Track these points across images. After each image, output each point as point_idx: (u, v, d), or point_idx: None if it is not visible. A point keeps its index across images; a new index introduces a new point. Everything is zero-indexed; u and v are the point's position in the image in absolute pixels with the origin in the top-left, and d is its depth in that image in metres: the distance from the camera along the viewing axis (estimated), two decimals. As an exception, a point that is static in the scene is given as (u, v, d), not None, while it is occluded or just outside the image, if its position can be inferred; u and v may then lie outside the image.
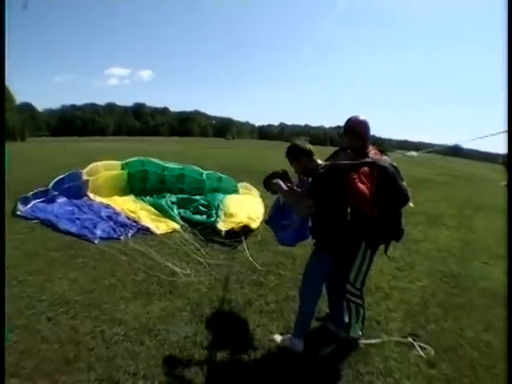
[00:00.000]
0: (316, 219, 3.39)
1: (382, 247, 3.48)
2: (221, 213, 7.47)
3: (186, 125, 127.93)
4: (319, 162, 3.35)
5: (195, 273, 4.91)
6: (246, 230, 6.67)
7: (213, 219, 7.16)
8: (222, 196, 8.78)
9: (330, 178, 3.11)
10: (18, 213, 7.00)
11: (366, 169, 3.09)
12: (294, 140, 3.45)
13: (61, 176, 8.46)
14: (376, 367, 3.28)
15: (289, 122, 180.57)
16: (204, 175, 9.51)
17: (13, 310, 3.74)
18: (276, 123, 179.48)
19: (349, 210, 3.33)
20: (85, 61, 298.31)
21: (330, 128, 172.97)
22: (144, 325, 3.65)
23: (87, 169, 8.68)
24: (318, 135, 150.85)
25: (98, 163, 9.10)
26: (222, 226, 6.76)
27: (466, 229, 8.95)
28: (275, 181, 3.48)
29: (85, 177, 8.30)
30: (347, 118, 3.40)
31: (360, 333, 3.62)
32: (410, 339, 3.70)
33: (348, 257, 3.39)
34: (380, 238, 3.38)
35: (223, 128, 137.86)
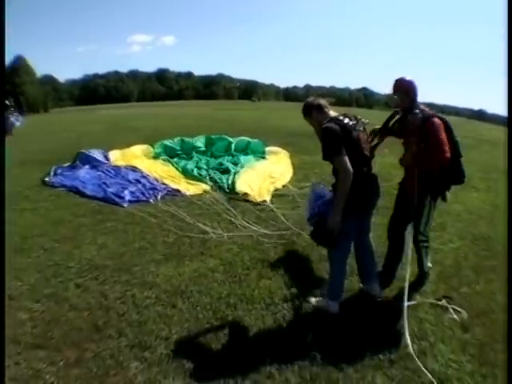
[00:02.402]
0: (334, 177, 3.08)
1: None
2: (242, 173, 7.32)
3: (211, 88, 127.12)
4: (332, 113, 3.16)
5: (227, 232, 4.73)
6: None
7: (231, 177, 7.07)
8: (251, 160, 8.63)
9: (338, 131, 2.90)
10: (46, 180, 7.11)
11: (439, 121, 3.38)
12: (308, 98, 3.37)
13: (83, 150, 8.54)
14: (411, 330, 3.13)
15: (314, 84, 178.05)
16: (233, 144, 9.41)
17: (38, 279, 3.69)
18: (301, 85, 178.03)
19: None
20: (106, 30, 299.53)
21: (356, 89, 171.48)
22: (176, 287, 3.53)
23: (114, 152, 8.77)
24: (344, 97, 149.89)
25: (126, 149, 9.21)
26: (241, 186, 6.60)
27: (494, 192, 8.54)
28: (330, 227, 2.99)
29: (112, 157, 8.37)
30: (395, 78, 3.58)
31: (430, 265, 3.94)
32: (444, 302, 3.57)
33: (410, 210, 3.52)
34: (444, 187, 3.80)
35: (248, 90, 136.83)
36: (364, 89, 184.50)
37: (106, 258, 4.13)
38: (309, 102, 3.25)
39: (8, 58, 66.87)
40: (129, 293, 3.45)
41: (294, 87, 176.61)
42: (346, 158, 2.82)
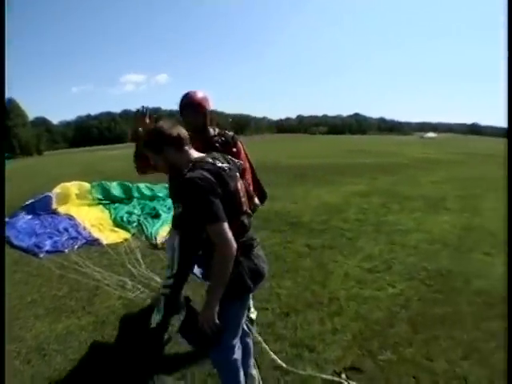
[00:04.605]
0: (207, 252, 2.18)
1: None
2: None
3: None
4: (194, 154, 2.26)
5: (121, 285, 5.00)
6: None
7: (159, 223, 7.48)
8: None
9: (214, 184, 1.99)
10: None
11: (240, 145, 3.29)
12: (159, 122, 2.30)
13: (30, 201, 9.00)
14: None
15: (306, 114, 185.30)
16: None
17: None
18: (294, 116, 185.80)
19: None
20: (100, 70, 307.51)
21: (348, 116, 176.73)
22: (40, 343, 3.82)
23: (58, 192, 9.18)
24: (337, 124, 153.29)
25: (69, 184, 9.70)
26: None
27: (469, 212, 8.10)
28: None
29: (54, 204, 8.75)
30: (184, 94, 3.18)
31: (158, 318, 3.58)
32: (343, 377, 2.84)
33: None
34: None
35: (241, 125, 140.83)
36: (356, 114, 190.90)
37: (-3, 310, 4.53)
38: (162, 130, 2.17)
39: (-3, 101, 70.18)
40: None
41: (287, 119, 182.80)
42: (227, 226, 1.97)
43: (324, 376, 2.88)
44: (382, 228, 6.90)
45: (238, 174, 2.27)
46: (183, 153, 2.20)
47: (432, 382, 2.84)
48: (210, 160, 2.11)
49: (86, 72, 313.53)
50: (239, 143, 3.28)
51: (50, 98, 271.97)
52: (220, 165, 2.11)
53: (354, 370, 2.92)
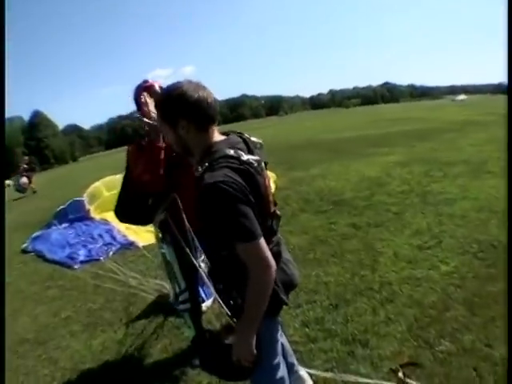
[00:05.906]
0: (232, 269, 1.65)
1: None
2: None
3: (237, 110, 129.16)
4: (217, 137, 1.68)
5: (157, 291, 4.60)
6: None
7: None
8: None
9: (246, 192, 1.47)
10: (24, 246, 7.56)
11: None
12: (181, 82, 1.62)
13: (62, 207, 8.93)
14: None
15: (337, 88, 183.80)
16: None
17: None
18: (325, 91, 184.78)
19: None
20: (126, 70, 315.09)
21: (378, 86, 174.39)
22: (74, 364, 3.50)
23: (88, 192, 9.04)
24: (368, 95, 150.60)
25: (98, 183, 9.38)
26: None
27: None
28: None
29: (87, 206, 8.56)
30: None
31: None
32: (400, 375, 2.45)
33: None
34: None
35: (274, 106, 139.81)
36: (386, 83, 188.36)
37: (32, 330, 4.27)
38: (183, 93, 1.55)
39: (26, 115, 73.20)
40: (35, 368, 3.54)
41: (319, 94, 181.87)
42: (264, 243, 1.49)
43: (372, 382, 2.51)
44: (427, 198, 6.35)
45: (264, 164, 1.64)
46: (205, 133, 1.62)
47: (492, 373, 2.44)
48: (233, 153, 1.52)
49: (112, 74, 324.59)
50: None
51: (79, 104, 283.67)
52: (246, 158, 1.52)
53: (411, 366, 2.56)
